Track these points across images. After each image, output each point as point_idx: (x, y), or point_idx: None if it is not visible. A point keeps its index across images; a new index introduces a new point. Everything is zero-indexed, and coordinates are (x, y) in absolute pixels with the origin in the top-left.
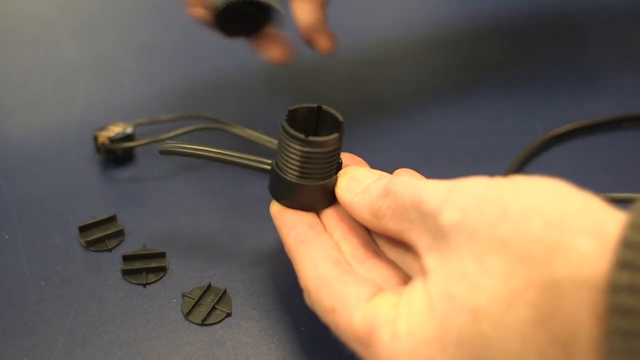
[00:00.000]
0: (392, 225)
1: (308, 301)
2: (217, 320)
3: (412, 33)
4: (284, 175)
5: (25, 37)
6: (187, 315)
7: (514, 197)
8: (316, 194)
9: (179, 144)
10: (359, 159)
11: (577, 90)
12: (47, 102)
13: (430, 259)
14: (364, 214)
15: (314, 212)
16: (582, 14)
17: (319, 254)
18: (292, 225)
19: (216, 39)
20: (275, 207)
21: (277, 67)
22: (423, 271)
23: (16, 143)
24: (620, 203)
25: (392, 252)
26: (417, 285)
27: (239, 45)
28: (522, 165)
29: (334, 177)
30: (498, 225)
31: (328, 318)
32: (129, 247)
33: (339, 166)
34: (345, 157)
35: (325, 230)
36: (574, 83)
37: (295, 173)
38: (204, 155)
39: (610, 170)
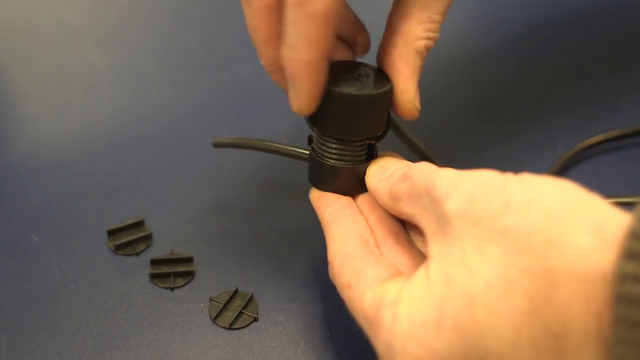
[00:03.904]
0: (407, 209)
1: (330, 275)
2: (244, 324)
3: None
4: (320, 159)
5: (51, 45)
6: (214, 319)
7: (519, 190)
8: (349, 177)
9: (230, 137)
10: (397, 155)
11: (597, 104)
12: (73, 107)
13: (434, 245)
14: (384, 198)
15: (349, 196)
16: (602, 25)
17: (351, 232)
18: (329, 204)
19: (239, 48)
20: (315, 193)
21: None
22: (427, 257)
23: (45, 148)
24: (625, 206)
25: (422, 243)
26: (420, 271)
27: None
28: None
29: (366, 163)
30: (501, 215)
31: (343, 293)
32: (157, 251)
33: (372, 156)
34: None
35: (361, 213)
36: (594, 96)
37: (329, 156)
38: (252, 145)
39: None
